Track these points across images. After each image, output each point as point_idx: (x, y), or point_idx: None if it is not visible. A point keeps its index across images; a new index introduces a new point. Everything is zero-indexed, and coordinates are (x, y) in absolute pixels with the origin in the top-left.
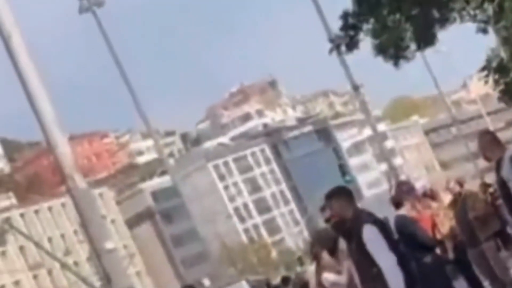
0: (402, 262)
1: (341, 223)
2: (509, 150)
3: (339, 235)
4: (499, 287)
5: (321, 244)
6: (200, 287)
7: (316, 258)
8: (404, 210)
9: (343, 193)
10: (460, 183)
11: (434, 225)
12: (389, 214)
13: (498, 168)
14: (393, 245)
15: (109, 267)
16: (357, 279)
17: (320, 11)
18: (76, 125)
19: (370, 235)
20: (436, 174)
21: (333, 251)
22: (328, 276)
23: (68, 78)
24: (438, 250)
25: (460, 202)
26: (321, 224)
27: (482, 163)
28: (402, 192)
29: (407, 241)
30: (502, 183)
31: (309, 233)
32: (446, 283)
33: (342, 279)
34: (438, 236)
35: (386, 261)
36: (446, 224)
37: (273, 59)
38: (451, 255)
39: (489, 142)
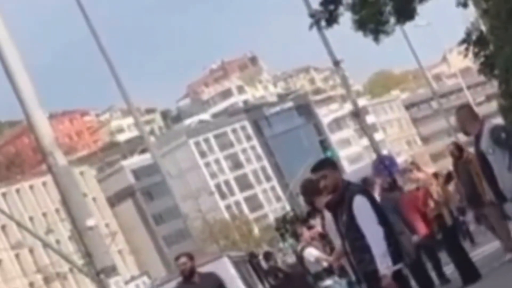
0: (390, 235)
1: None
2: (488, 123)
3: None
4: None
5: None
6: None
7: (295, 234)
8: (376, 192)
9: (328, 165)
10: (459, 147)
11: (425, 196)
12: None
13: (477, 141)
14: (381, 217)
15: (90, 245)
16: (344, 260)
17: None
18: (57, 104)
19: (360, 206)
20: (417, 148)
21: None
22: (312, 251)
23: (47, 56)
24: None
25: (462, 165)
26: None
27: (463, 137)
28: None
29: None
30: (481, 156)
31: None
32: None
33: (329, 258)
34: (432, 205)
35: (373, 234)
36: (440, 192)
37: (254, 35)
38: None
39: (466, 116)
